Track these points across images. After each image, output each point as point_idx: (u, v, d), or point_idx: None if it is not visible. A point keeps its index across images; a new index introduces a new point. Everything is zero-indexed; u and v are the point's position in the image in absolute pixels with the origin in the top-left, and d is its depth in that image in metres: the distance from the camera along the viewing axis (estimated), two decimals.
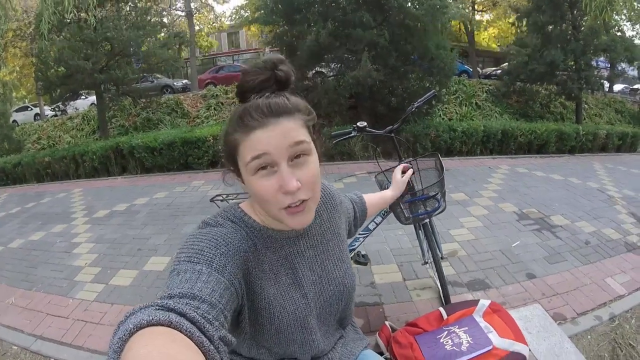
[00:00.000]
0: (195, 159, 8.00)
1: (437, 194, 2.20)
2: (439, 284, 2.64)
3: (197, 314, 0.59)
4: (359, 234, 2.56)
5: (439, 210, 2.24)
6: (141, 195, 6.35)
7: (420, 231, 2.65)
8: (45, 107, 20.99)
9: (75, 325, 2.92)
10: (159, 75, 17.17)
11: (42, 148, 13.35)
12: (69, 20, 10.24)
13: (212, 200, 2.62)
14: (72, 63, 9.76)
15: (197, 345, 0.53)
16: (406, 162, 2.27)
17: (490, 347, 1.15)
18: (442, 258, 2.65)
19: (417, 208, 2.29)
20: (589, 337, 2.56)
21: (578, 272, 3.31)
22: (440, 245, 2.67)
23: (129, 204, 5.91)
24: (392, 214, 2.45)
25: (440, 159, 2.29)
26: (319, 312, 0.99)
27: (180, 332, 0.53)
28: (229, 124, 0.82)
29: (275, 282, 0.92)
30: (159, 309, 0.57)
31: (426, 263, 2.76)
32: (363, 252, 3.33)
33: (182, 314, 0.57)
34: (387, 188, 2.34)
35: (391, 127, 2.42)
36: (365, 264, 3.33)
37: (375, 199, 1.54)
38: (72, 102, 12.76)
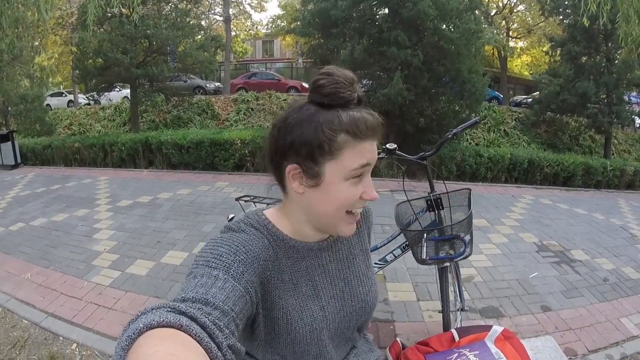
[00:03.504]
0: (222, 160, 8.11)
1: (467, 236, 2.01)
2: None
3: (208, 319, 0.59)
4: (375, 264, 2.37)
5: (463, 256, 2.04)
6: (165, 190, 6.45)
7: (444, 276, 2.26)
8: (80, 95, 21.54)
9: (87, 307, 2.99)
10: (192, 76, 17.51)
11: (73, 134, 13.74)
12: (110, 15, 10.55)
13: (237, 199, 2.65)
14: (110, 56, 10.08)
15: (205, 351, 0.53)
16: (437, 195, 2.12)
17: None
18: (463, 310, 2.39)
19: (439, 250, 2.10)
20: None
21: (594, 308, 3.26)
22: (463, 295, 2.45)
23: (152, 197, 6.02)
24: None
25: (471, 196, 2.10)
26: (337, 325, 0.99)
27: (190, 336, 0.53)
28: (335, 121, 0.80)
29: (295, 293, 0.92)
30: (170, 311, 0.57)
31: (462, 310, 2.41)
32: None
33: (193, 319, 0.57)
34: (412, 222, 2.18)
35: (423, 153, 2.20)
36: None
37: None
38: (106, 93, 13.04)
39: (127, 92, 14.51)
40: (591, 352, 2.71)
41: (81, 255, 3.91)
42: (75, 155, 9.58)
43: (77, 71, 11.39)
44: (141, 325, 0.52)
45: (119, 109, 15.08)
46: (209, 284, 0.71)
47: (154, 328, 0.52)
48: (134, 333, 0.51)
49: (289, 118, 0.85)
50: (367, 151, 0.82)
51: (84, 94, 19.19)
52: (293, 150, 0.84)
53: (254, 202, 2.60)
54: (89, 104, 17.57)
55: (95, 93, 12.39)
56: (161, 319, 0.53)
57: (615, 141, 14.89)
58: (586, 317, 3.11)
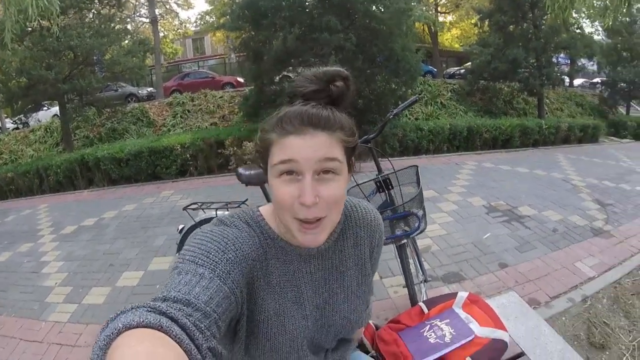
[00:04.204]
0: (164, 168, 7.87)
1: (420, 211, 2.05)
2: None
3: (189, 321, 0.57)
4: None
5: (419, 230, 2.08)
6: (109, 209, 6.17)
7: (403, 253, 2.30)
8: (6, 120, 20.21)
9: (50, 349, 2.80)
10: (123, 84, 16.81)
11: (5, 163, 12.79)
12: (31, 29, 9.91)
13: (185, 208, 2.59)
14: (34, 73, 9.44)
15: (184, 353, 0.51)
16: (385, 175, 2.14)
17: (472, 337, 1.18)
18: (426, 281, 2.50)
19: (395, 228, 2.11)
20: (563, 318, 2.69)
21: (548, 258, 3.47)
22: (424, 267, 2.54)
23: (97, 218, 5.74)
24: None
25: (418, 172, 2.16)
26: (313, 335, 0.96)
27: (170, 337, 0.52)
28: (268, 122, 0.81)
29: (280, 297, 0.89)
30: (150, 311, 0.55)
31: (425, 281, 2.52)
32: None
33: (173, 319, 0.56)
34: None
35: (367, 136, 2.18)
36: None
37: None
38: (34, 114, 12.30)
39: (56, 109, 13.71)
40: (553, 298, 2.89)
41: (33, 294, 3.66)
42: (9, 186, 8.97)
43: (1, 94, 10.65)
44: (120, 325, 0.51)
45: (49, 128, 14.12)
46: (193, 282, 0.68)
47: (133, 328, 0.51)
48: (112, 333, 0.50)
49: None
50: (290, 146, 0.75)
51: (11, 118, 18.05)
52: (259, 147, 0.85)
53: (202, 209, 2.55)
54: (17, 128, 16.49)
55: (22, 115, 11.68)
56: (141, 319, 0.52)
57: (548, 101, 15.70)
58: (542, 268, 3.30)
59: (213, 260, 0.74)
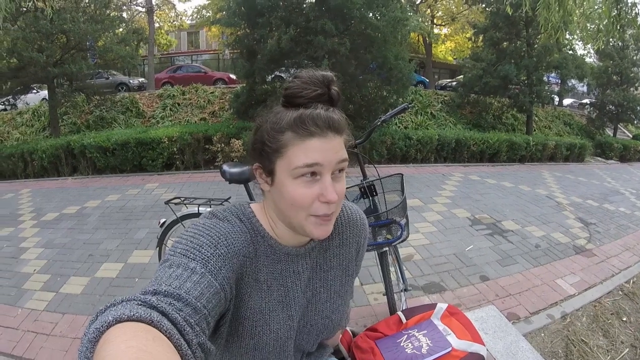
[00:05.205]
0: (150, 160, 7.79)
1: (403, 219, 2.05)
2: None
3: (180, 316, 0.58)
4: None
5: (401, 239, 2.08)
6: (92, 198, 6.09)
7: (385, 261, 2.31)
8: None
9: (25, 336, 2.75)
10: (114, 72, 16.60)
11: None
12: (25, 9, 9.74)
13: (167, 202, 2.56)
14: (25, 55, 9.25)
15: (175, 348, 0.52)
16: (370, 182, 2.14)
17: (450, 349, 1.18)
18: (406, 290, 2.47)
19: (377, 235, 2.11)
20: (542, 334, 2.70)
21: (529, 274, 3.50)
22: (405, 275, 2.51)
23: (79, 207, 5.65)
24: None
25: (403, 181, 2.17)
26: (296, 335, 0.97)
27: (160, 331, 0.52)
28: (279, 121, 0.80)
29: (266, 295, 0.89)
30: (141, 305, 0.55)
31: (405, 290, 2.48)
32: None
33: (164, 314, 0.56)
34: None
35: (354, 141, 2.08)
36: None
37: None
38: (22, 96, 12.08)
39: (45, 93, 13.44)
40: (532, 314, 2.91)
41: (10, 280, 3.57)
42: None
43: None
44: (110, 318, 0.51)
45: (37, 112, 13.84)
46: (184, 276, 0.68)
47: (123, 321, 0.51)
48: (102, 326, 0.50)
49: (261, 120, 0.86)
50: (314, 150, 0.77)
51: None
52: (255, 149, 0.85)
53: (184, 204, 2.52)
54: (4, 110, 16.21)
55: (10, 97, 11.48)
56: (131, 313, 0.52)
57: (536, 118, 15.91)
58: (523, 283, 3.34)
59: (205, 255, 0.74)
